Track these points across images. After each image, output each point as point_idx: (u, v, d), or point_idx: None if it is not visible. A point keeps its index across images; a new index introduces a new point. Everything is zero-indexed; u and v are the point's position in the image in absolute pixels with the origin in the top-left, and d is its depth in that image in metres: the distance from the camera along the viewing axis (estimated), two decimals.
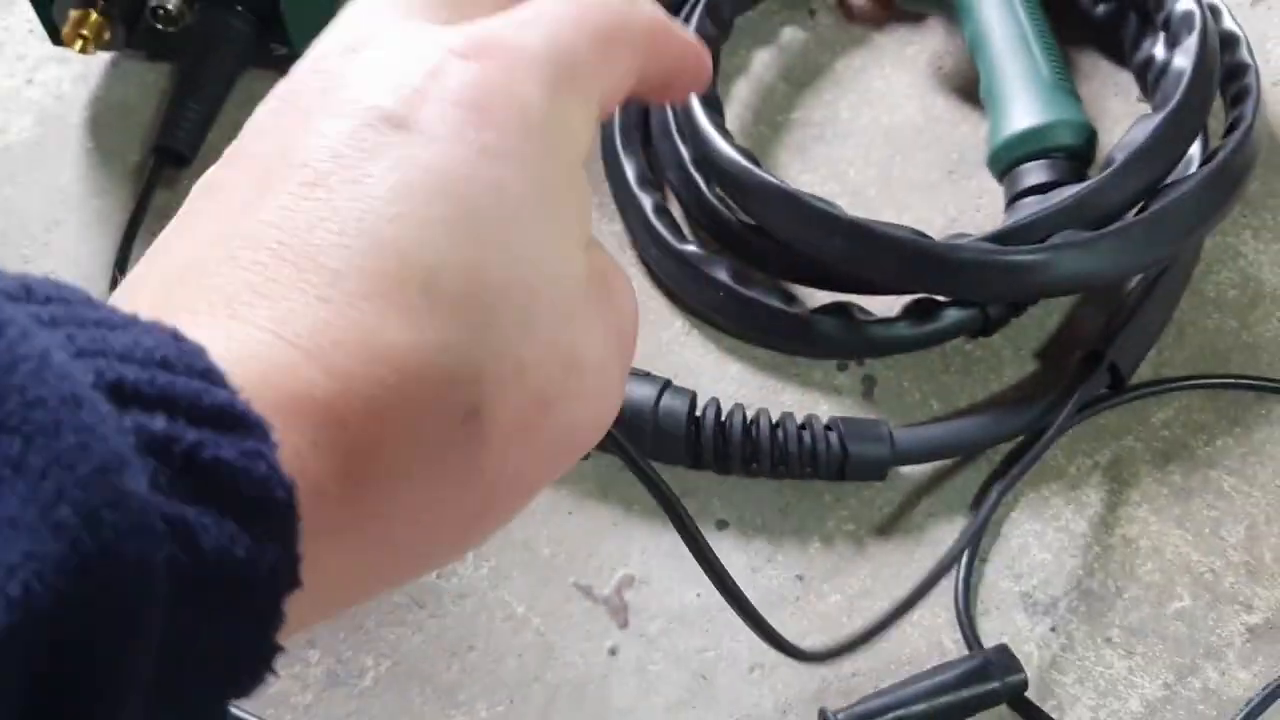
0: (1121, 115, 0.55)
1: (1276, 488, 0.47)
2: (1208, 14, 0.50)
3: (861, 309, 0.49)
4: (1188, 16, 0.50)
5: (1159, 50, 0.52)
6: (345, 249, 0.20)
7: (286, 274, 0.20)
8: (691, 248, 0.50)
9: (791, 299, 0.49)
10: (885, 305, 0.49)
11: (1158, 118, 0.48)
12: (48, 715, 0.15)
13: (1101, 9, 0.55)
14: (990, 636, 0.44)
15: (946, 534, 0.46)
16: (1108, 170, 0.47)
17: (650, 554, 0.46)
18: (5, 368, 0.15)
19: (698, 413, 0.46)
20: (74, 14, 0.51)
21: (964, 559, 0.45)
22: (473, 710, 0.43)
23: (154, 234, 0.54)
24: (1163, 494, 0.47)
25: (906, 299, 0.49)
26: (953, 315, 0.48)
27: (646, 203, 0.51)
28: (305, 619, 0.20)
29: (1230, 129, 0.49)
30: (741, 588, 0.45)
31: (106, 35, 0.52)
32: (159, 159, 0.51)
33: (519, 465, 0.22)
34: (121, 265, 0.49)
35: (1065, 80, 0.52)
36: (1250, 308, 0.51)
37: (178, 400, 0.17)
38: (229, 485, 0.17)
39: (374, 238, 0.20)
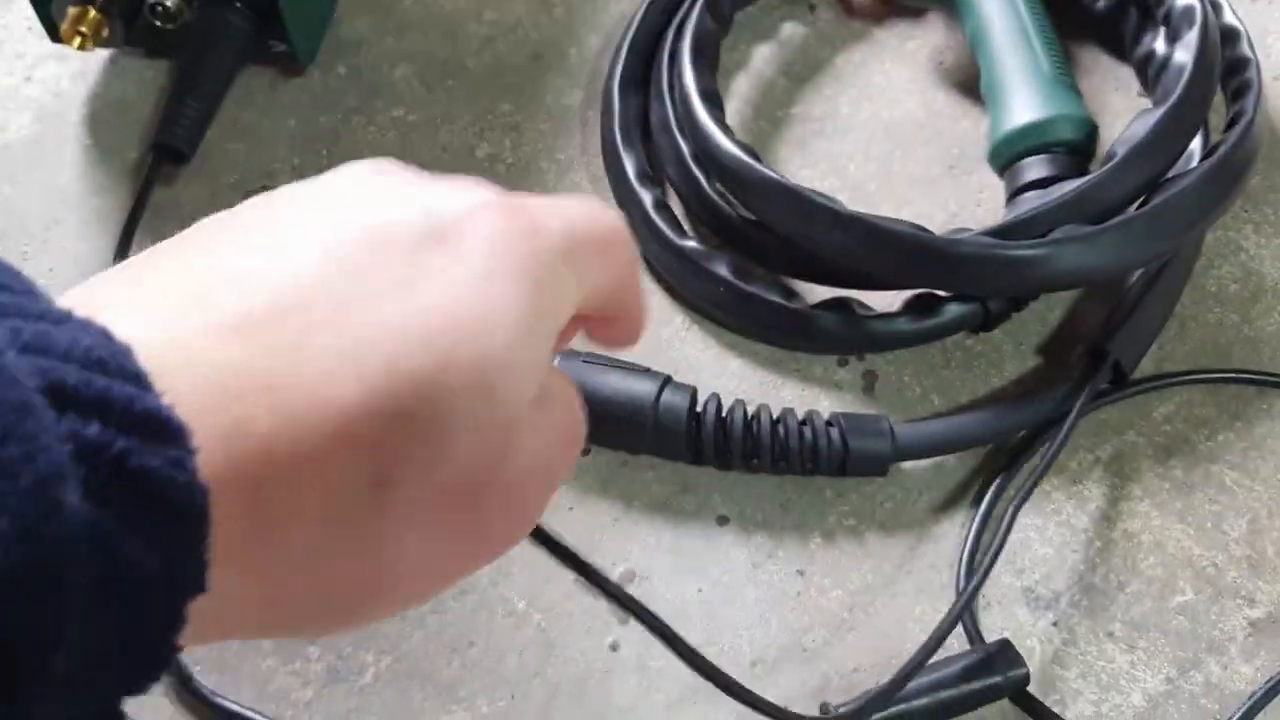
0: (1122, 110, 0.55)
1: (1278, 482, 0.47)
2: (1208, 8, 0.50)
3: (862, 304, 0.48)
4: (1188, 11, 0.50)
5: (1160, 45, 0.51)
6: (334, 324, 0.22)
7: (268, 319, 0.21)
8: (691, 243, 0.49)
9: (792, 294, 0.49)
10: (886, 300, 0.49)
11: (1159, 112, 0.47)
12: None
13: (1102, 4, 0.55)
14: (992, 631, 0.44)
15: (948, 529, 0.46)
16: (1109, 165, 0.47)
17: (651, 550, 0.46)
18: None
19: (698, 409, 0.46)
20: (72, 11, 0.50)
21: (965, 554, 0.45)
22: (473, 706, 0.43)
23: (153, 231, 0.54)
24: (1164, 488, 0.47)
25: (907, 294, 0.49)
26: (954, 310, 0.48)
27: (646, 198, 0.51)
28: (202, 635, 0.20)
29: (1231, 123, 0.49)
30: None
31: (105, 32, 0.52)
32: (158, 156, 0.51)
33: (419, 551, 0.23)
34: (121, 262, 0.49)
35: (1066, 75, 0.52)
36: (1252, 302, 0.51)
37: (112, 405, 0.18)
38: (151, 492, 0.18)
39: (362, 309, 0.22)
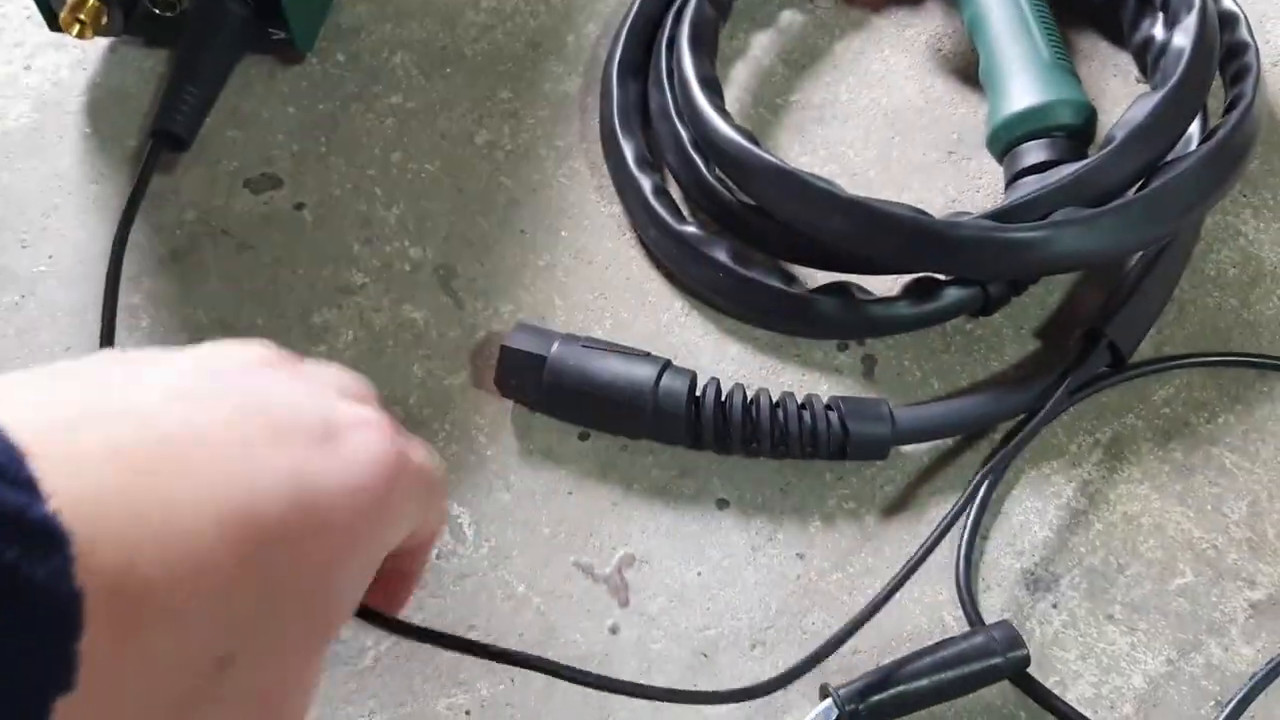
0: (1120, 96, 0.55)
1: (1278, 464, 0.47)
2: None
3: (861, 289, 0.48)
4: None
5: (1158, 30, 0.51)
6: (211, 477, 0.24)
7: (155, 454, 0.23)
8: (691, 229, 0.49)
9: (791, 279, 0.49)
10: (885, 285, 0.49)
11: (1157, 95, 0.47)
12: None
13: None
14: (992, 613, 0.44)
15: (947, 511, 0.46)
16: (1107, 148, 0.47)
17: (650, 533, 0.46)
18: None
19: (698, 393, 0.46)
20: None
21: (965, 536, 0.45)
22: (473, 689, 0.43)
23: (151, 219, 0.54)
24: (1164, 471, 0.47)
25: (906, 278, 0.49)
26: (953, 294, 0.48)
27: (646, 184, 0.51)
28: None
29: (1230, 107, 0.49)
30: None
31: (104, 20, 0.52)
32: (156, 143, 0.51)
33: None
34: (120, 249, 0.49)
35: (1064, 60, 0.52)
36: (1251, 286, 0.51)
37: (5, 515, 0.20)
38: (33, 600, 0.20)
39: (242, 470, 0.25)
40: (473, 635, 0.44)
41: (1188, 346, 0.49)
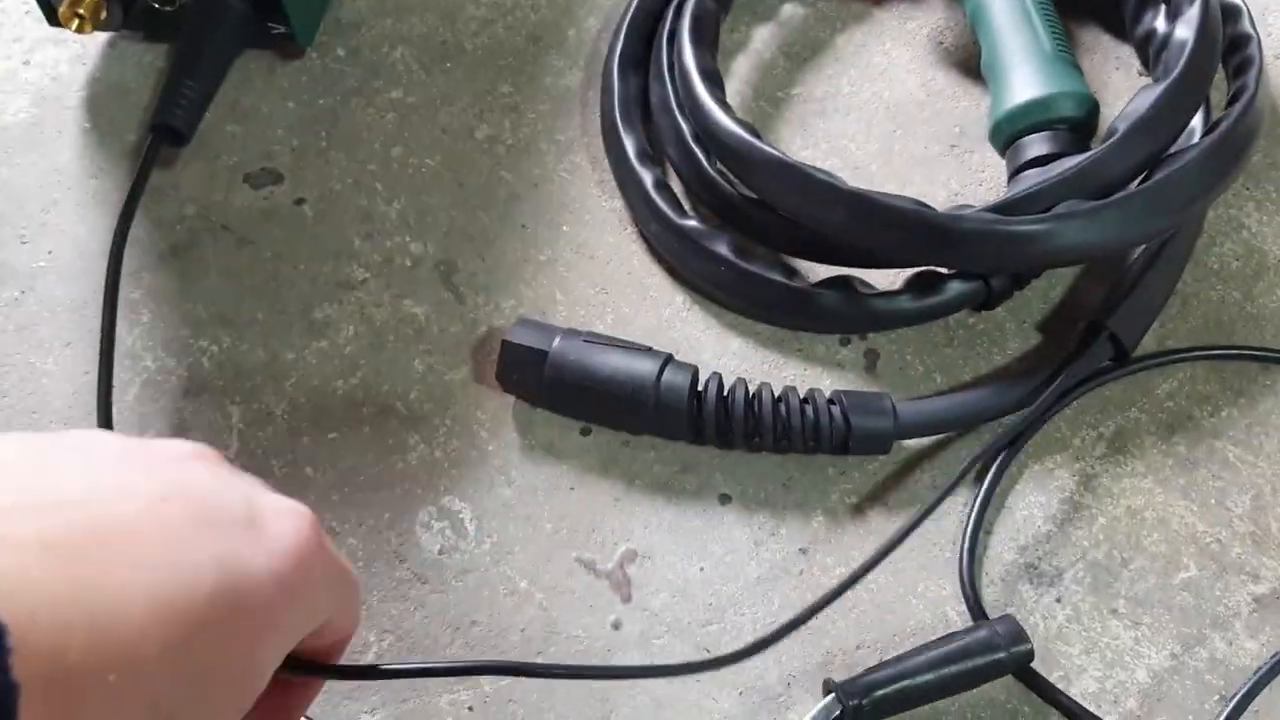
0: (1123, 89, 0.55)
1: None
2: None
3: (864, 282, 0.48)
4: None
5: (1160, 23, 0.51)
6: (143, 565, 0.26)
7: (89, 543, 0.25)
8: (692, 222, 0.49)
9: (793, 273, 0.49)
10: (888, 279, 0.49)
11: (1160, 88, 0.47)
12: None
13: None
14: (995, 608, 0.44)
15: (950, 506, 0.46)
16: (1110, 141, 0.47)
17: (653, 529, 0.45)
18: None
19: (699, 388, 0.46)
20: None
21: (968, 530, 0.45)
22: (476, 684, 0.43)
23: (151, 214, 0.54)
24: (1168, 465, 0.47)
25: (909, 272, 0.49)
26: (955, 288, 0.47)
27: (647, 178, 0.51)
28: None
29: (1233, 100, 0.49)
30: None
31: (103, 15, 0.52)
32: (156, 137, 0.51)
33: None
34: (120, 245, 0.48)
35: (1067, 52, 0.51)
36: (1254, 279, 0.51)
37: None
38: None
39: (172, 558, 0.26)
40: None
41: (1191, 340, 0.49)
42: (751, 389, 0.46)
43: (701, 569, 0.45)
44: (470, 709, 0.42)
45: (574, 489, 0.46)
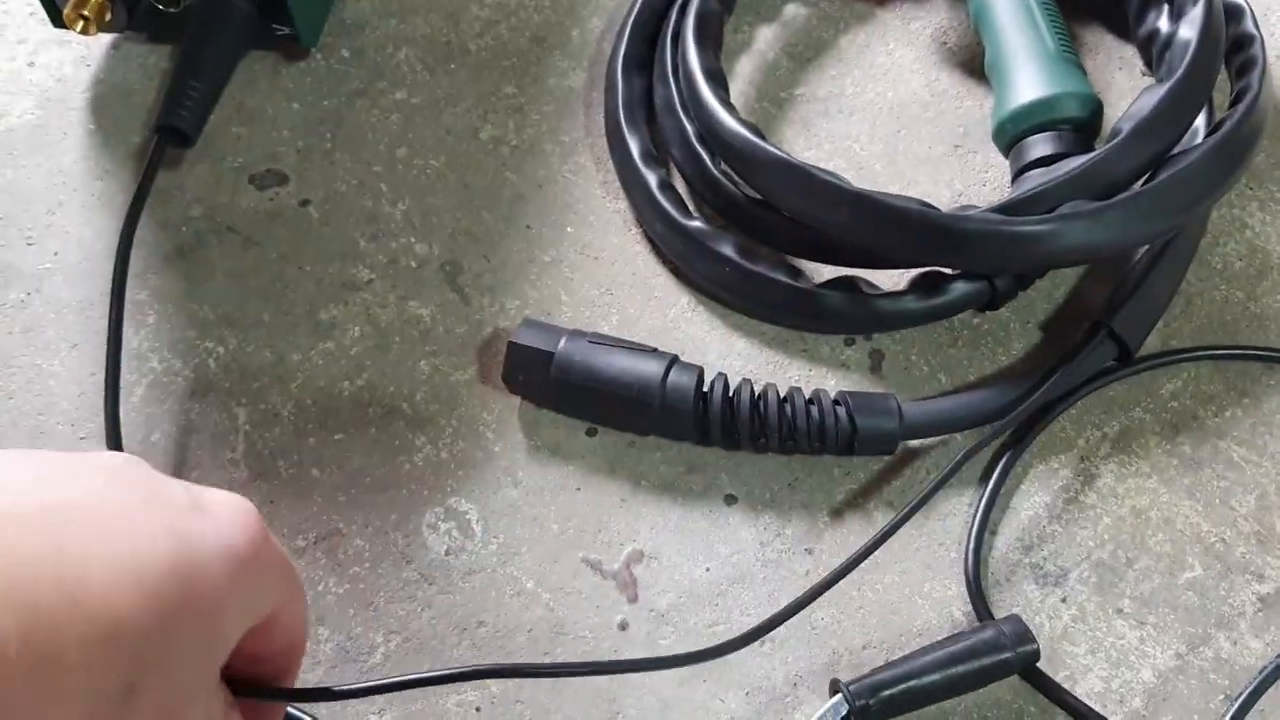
0: (1126, 90, 0.55)
1: None
2: None
3: (868, 283, 0.48)
4: None
5: (1163, 23, 0.51)
6: (106, 555, 0.26)
7: (63, 520, 0.26)
8: (697, 223, 0.49)
9: (798, 274, 0.49)
10: (892, 279, 0.49)
11: (1164, 88, 0.47)
12: None
13: None
14: (1001, 608, 0.44)
15: (955, 506, 0.46)
16: (1114, 141, 0.47)
17: (659, 529, 0.46)
18: None
19: (705, 388, 0.46)
20: None
21: (973, 531, 0.45)
22: (483, 685, 0.43)
23: (157, 215, 0.54)
24: (1172, 465, 0.47)
25: (913, 273, 0.49)
26: (960, 289, 0.47)
27: (651, 179, 0.51)
28: None
29: (1236, 100, 0.49)
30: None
31: (107, 17, 0.52)
32: (161, 138, 0.51)
33: None
34: (126, 246, 0.49)
35: (1070, 53, 0.51)
36: (1258, 279, 0.51)
37: None
38: None
39: (133, 530, 0.27)
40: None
41: (1195, 340, 0.49)
42: (757, 390, 0.46)
43: (707, 569, 0.45)
44: (478, 709, 0.42)
45: (580, 490, 0.46)
